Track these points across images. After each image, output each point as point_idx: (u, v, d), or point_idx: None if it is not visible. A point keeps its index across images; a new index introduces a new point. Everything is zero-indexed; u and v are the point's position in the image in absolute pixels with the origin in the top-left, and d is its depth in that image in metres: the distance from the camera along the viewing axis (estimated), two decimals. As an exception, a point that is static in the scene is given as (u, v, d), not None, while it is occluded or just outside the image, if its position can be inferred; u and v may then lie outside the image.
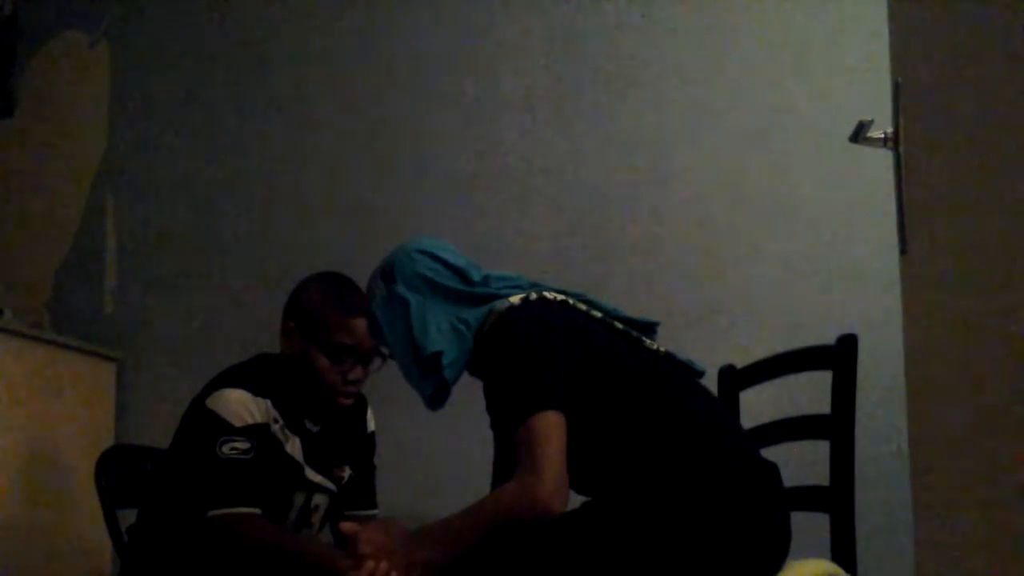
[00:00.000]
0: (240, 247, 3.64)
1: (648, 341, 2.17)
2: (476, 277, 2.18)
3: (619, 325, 2.16)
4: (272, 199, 3.64)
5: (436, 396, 2.12)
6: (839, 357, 2.24)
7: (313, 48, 3.67)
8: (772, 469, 2.04)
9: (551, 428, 1.94)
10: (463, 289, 2.16)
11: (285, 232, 3.60)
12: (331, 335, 2.55)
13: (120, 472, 2.77)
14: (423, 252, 2.20)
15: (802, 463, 2.40)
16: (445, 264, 2.18)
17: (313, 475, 2.62)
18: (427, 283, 2.16)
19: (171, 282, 3.69)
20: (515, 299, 2.09)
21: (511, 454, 1.97)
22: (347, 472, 2.70)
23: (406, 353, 2.13)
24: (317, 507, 2.66)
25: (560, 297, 2.14)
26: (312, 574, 2.41)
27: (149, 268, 3.73)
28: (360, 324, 2.53)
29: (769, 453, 2.16)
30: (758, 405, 2.65)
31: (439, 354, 2.08)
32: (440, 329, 2.11)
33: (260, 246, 3.62)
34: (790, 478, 2.22)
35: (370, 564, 1.99)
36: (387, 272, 2.20)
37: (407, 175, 3.51)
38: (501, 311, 2.08)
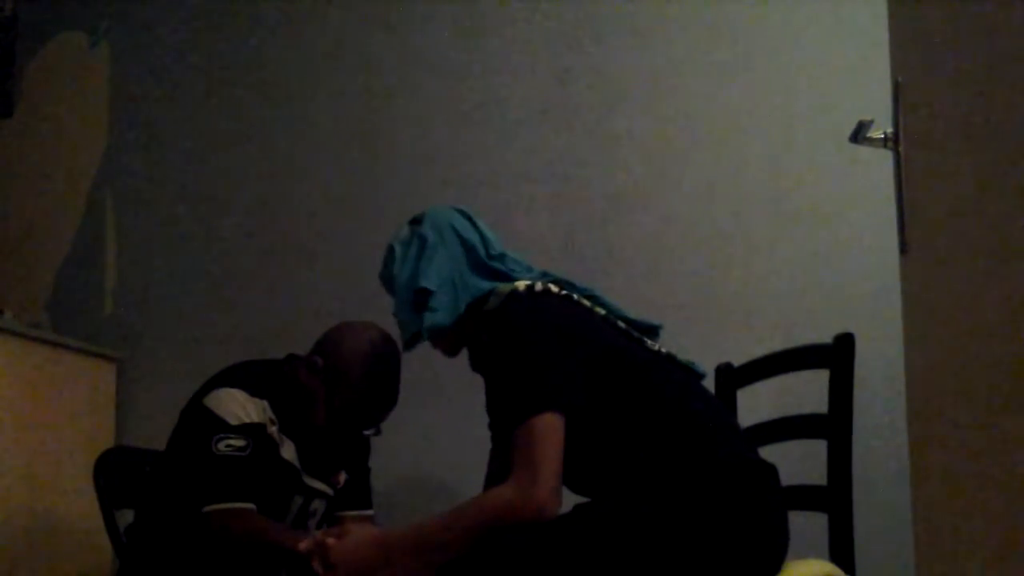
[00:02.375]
0: (240, 247, 3.64)
1: (649, 342, 2.17)
2: (495, 251, 2.22)
3: (621, 324, 2.16)
4: (272, 199, 3.64)
5: (412, 339, 2.16)
6: (836, 356, 2.24)
7: (313, 49, 3.67)
8: (770, 470, 2.03)
9: (550, 430, 1.93)
10: (479, 253, 2.19)
11: (285, 232, 3.60)
12: (343, 406, 2.55)
13: (118, 473, 2.77)
14: (460, 211, 2.27)
15: (802, 462, 2.40)
16: (475, 227, 2.24)
17: (311, 480, 2.62)
18: (453, 232, 2.21)
19: (171, 282, 3.69)
20: (520, 285, 2.10)
21: (507, 454, 1.97)
22: (343, 477, 2.70)
23: (405, 287, 2.17)
24: (315, 512, 2.66)
25: (564, 292, 2.14)
26: (304, 569, 2.41)
27: (149, 268, 3.73)
28: (383, 416, 2.58)
29: (767, 452, 2.16)
30: (756, 403, 2.65)
31: (428, 293, 2.11)
32: (440, 275, 2.15)
33: (260, 246, 3.62)
34: (789, 477, 2.22)
35: None
36: (418, 218, 2.25)
37: (408, 176, 3.50)
38: (503, 293, 2.09)
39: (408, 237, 2.23)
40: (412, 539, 1.98)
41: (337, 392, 2.55)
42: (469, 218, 2.26)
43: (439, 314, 2.12)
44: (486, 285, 2.14)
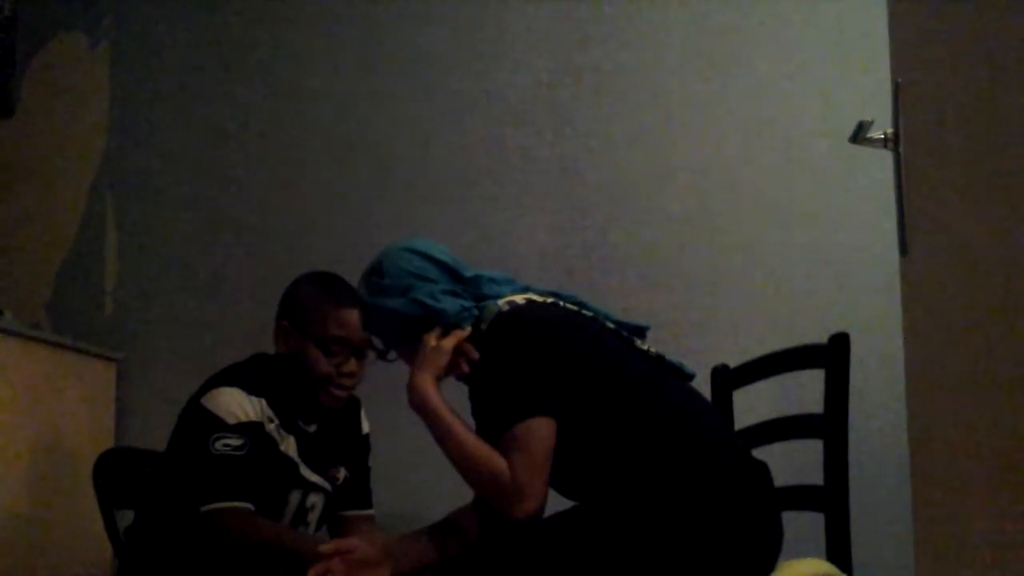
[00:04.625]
0: (240, 248, 3.64)
1: (639, 342, 2.17)
2: (467, 275, 2.19)
3: (610, 325, 2.16)
4: (272, 199, 3.64)
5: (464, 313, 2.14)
6: (832, 356, 2.24)
7: (313, 48, 3.67)
8: (762, 469, 2.04)
9: (543, 433, 1.95)
10: (450, 283, 2.17)
11: (285, 233, 3.60)
12: (323, 327, 2.58)
13: (118, 473, 2.77)
14: (412, 251, 2.21)
15: (799, 462, 2.40)
16: (434, 261, 2.20)
17: (309, 474, 2.63)
18: (415, 278, 2.17)
19: (171, 283, 3.69)
20: (503, 303, 2.09)
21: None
22: (342, 473, 2.71)
23: (412, 321, 2.15)
24: (313, 506, 2.66)
25: (550, 300, 2.14)
26: (303, 569, 2.41)
27: (149, 268, 3.73)
28: (351, 315, 2.55)
29: (764, 452, 2.16)
30: (753, 404, 2.65)
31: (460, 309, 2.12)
32: (444, 292, 2.15)
33: (260, 247, 3.62)
34: (786, 477, 2.22)
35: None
36: (375, 268, 2.21)
37: (407, 175, 3.51)
38: (490, 318, 2.09)
39: (372, 291, 2.20)
40: (440, 420, 2.04)
41: (311, 323, 2.58)
42: (424, 253, 2.20)
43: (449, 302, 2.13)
44: (472, 308, 2.14)
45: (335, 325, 2.57)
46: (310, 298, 2.62)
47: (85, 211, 3.84)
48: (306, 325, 2.59)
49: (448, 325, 2.12)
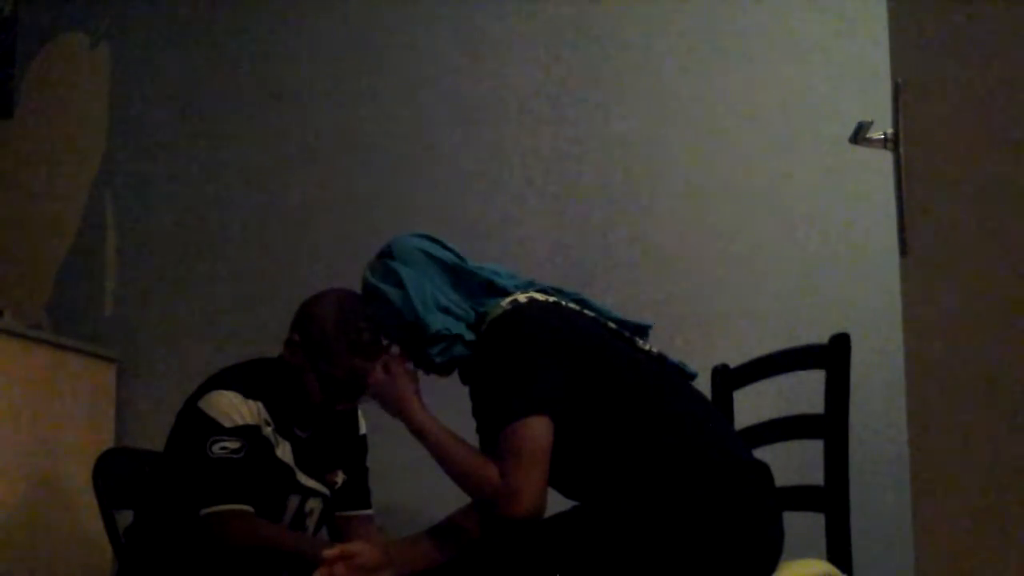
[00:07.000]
0: (240, 248, 3.64)
1: (640, 342, 2.17)
2: (469, 264, 2.22)
3: (612, 325, 2.16)
4: (272, 199, 3.64)
5: (445, 366, 2.16)
6: (832, 356, 2.24)
7: (313, 48, 3.67)
8: (764, 470, 2.04)
9: (538, 433, 1.95)
10: (459, 264, 2.18)
11: (285, 233, 3.60)
12: (331, 368, 2.53)
13: (118, 474, 2.77)
14: (421, 236, 2.25)
15: (799, 463, 2.40)
16: (442, 244, 2.23)
17: (306, 479, 2.62)
18: (424, 255, 2.19)
19: (171, 283, 3.69)
20: (505, 303, 2.09)
21: (494, 455, 1.98)
22: (340, 477, 2.70)
23: (402, 323, 2.16)
24: (312, 511, 2.66)
25: (552, 299, 2.14)
26: (304, 570, 2.41)
27: (149, 268, 3.73)
28: (362, 364, 2.52)
29: (764, 452, 2.16)
30: (754, 404, 2.65)
31: (438, 332, 2.12)
32: (438, 306, 2.15)
33: (260, 247, 3.62)
34: (786, 478, 2.22)
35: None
36: (384, 251, 2.24)
37: (407, 176, 3.51)
38: (493, 318, 2.09)
39: (382, 271, 2.21)
40: (428, 436, 2.07)
41: (321, 356, 2.53)
42: (431, 237, 2.25)
43: (457, 345, 2.13)
44: (479, 307, 2.14)
45: (344, 372, 2.52)
46: (329, 333, 2.52)
47: (85, 211, 3.84)
48: (316, 356, 2.53)
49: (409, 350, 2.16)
